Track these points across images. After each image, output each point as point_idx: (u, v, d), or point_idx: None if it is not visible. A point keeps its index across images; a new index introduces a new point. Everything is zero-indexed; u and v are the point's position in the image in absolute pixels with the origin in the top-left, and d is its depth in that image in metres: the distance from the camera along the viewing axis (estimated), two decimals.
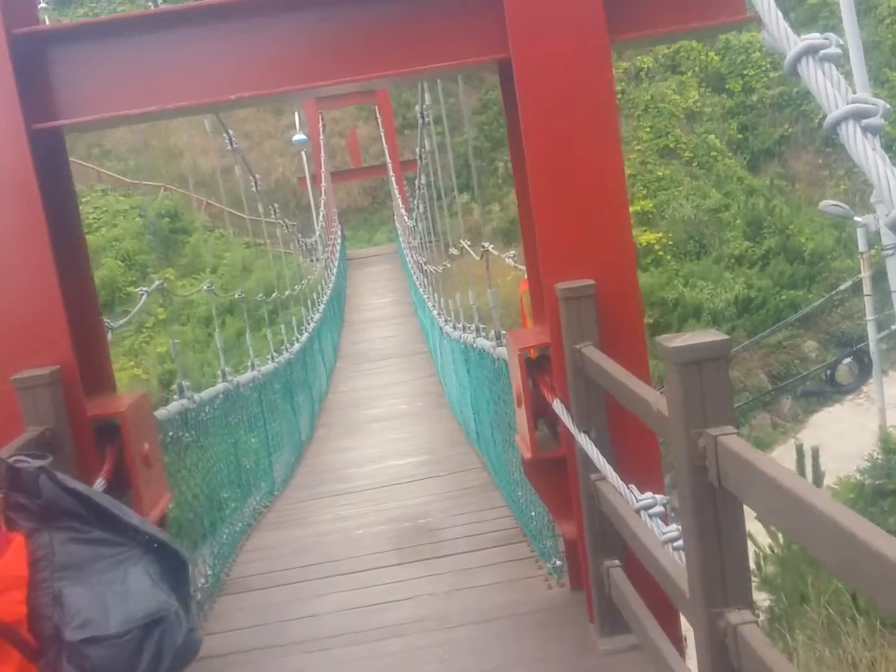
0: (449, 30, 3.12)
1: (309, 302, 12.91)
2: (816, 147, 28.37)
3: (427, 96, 7.87)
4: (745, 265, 24.39)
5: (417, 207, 13.82)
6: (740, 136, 28.64)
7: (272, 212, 9.83)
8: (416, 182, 10.98)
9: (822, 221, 25.97)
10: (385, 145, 24.09)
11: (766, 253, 24.57)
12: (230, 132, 7.73)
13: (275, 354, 8.48)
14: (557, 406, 3.20)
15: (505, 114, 3.67)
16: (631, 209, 25.23)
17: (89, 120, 3.14)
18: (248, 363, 8.00)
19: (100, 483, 2.96)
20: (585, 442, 2.96)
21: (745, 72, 29.57)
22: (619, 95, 29.35)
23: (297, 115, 26.18)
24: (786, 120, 28.81)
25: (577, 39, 3.07)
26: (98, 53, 3.07)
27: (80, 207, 20.82)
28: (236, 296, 8.37)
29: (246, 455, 6.45)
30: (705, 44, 30.50)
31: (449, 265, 9.88)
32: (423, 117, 8.22)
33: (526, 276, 4.01)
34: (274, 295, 11.70)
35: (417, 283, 16.34)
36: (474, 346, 6.60)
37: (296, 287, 12.92)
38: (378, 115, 24.99)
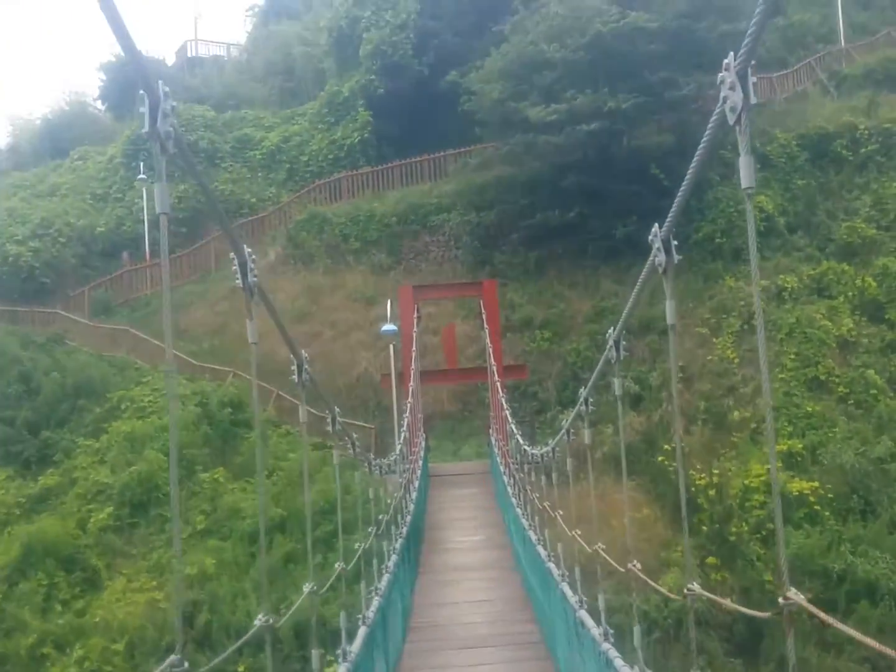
0: None
1: (375, 561, 8.64)
2: None
3: None
4: None
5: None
6: None
7: (331, 417, 5.83)
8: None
9: None
10: (488, 344, 20.45)
11: None
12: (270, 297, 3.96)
13: None
14: None
15: None
16: (776, 448, 20.66)
17: None
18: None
19: None
20: None
21: None
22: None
23: (389, 303, 22.98)
24: None
25: None
26: None
27: (139, 388, 16.87)
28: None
29: None
30: (858, 268, 26.82)
31: None
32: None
33: None
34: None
35: (526, 524, 11.98)
36: None
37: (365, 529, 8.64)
38: (483, 311, 21.57)
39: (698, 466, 20.30)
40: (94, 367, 26.63)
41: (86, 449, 22.99)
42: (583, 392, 7.09)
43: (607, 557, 5.33)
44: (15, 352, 27.28)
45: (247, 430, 23.41)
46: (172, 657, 2.41)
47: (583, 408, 6.76)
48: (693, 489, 19.21)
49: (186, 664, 2.41)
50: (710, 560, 18.08)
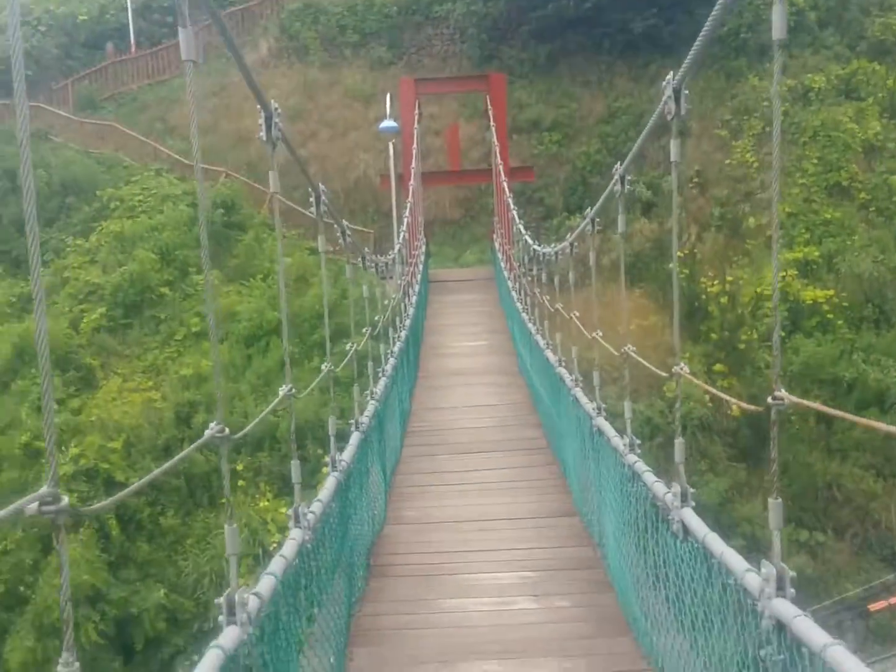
0: None
1: (371, 364, 7.92)
2: None
3: None
4: None
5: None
6: None
7: (315, 197, 4.92)
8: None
9: None
10: (495, 143, 19.12)
11: None
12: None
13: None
14: None
15: None
16: (791, 256, 19.70)
17: None
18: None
19: None
20: None
21: None
22: (783, 117, 23.96)
23: (388, 98, 21.48)
24: None
25: None
26: None
27: (128, 187, 16.17)
28: None
29: None
30: (890, 68, 25.02)
31: None
32: None
33: None
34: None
35: (533, 329, 11.34)
36: None
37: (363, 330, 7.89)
38: (489, 107, 20.10)
39: (710, 273, 19.58)
40: (81, 164, 25.39)
41: (76, 248, 22.20)
42: (589, 213, 6.26)
43: (644, 362, 4.60)
44: None
45: (240, 232, 22.54)
46: (43, 489, 1.71)
47: (588, 228, 5.98)
48: (704, 297, 18.59)
49: (66, 499, 1.72)
50: (718, 367, 17.66)
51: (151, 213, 22.68)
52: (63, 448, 16.12)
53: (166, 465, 2.77)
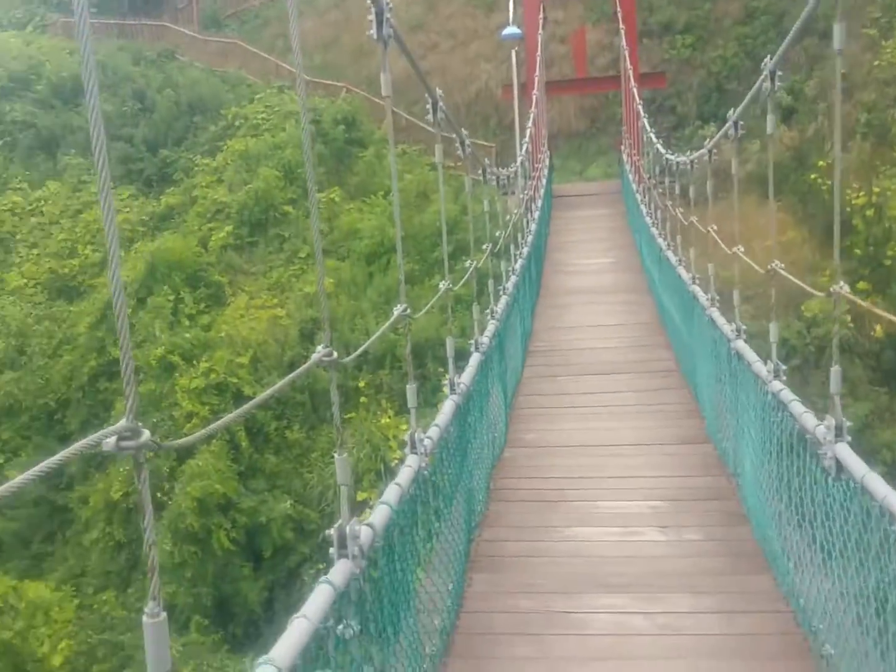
0: None
1: (491, 282, 7.60)
2: None
3: None
4: None
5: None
6: None
7: (433, 103, 4.60)
8: None
9: None
10: (624, 47, 18.13)
11: None
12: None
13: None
14: None
15: None
16: None
17: None
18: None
19: None
20: None
21: None
22: None
23: (511, 3, 20.64)
24: None
25: None
26: None
27: (252, 105, 16.42)
28: None
29: None
30: None
31: None
32: None
33: None
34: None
35: (664, 245, 10.76)
36: None
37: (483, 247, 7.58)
38: (618, 8, 19.01)
39: (855, 185, 18.22)
40: (206, 83, 25.66)
41: (203, 168, 22.55)
42: (731, 115, 5.77)
43: (796, 280, 4.15)
44: (127, 69, 26.50)
45: (361, 148, 22.37)
46: (121, 423, 1.60)
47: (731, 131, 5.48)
48: (848, 210, 17.36)
49: (146, 433, 1.63)
50: (861, 285, 16.54)
51: (274, 131, 22.76)
52: (194, 362, 16.64)
53: (260, 397, 2.57)
